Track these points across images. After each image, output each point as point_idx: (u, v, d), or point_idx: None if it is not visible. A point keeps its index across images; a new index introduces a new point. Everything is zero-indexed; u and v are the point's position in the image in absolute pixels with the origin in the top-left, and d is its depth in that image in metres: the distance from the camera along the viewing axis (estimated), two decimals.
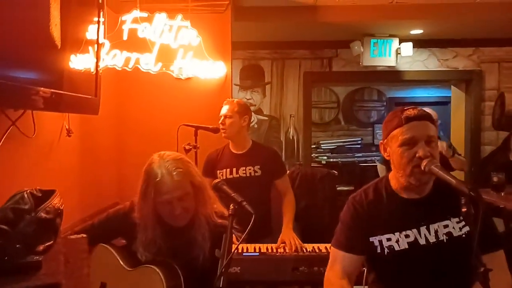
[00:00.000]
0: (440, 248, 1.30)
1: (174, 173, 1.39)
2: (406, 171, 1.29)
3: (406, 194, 1.36)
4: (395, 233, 1.33)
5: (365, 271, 1.51)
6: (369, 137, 6.89)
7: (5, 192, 1.00)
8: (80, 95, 1.86)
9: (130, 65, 2.43)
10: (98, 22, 2.06)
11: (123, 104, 2.76)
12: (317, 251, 2.08)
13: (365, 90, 6.75)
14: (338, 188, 2.93)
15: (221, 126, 2.38)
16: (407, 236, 1.33)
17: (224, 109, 2.40)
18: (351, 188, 5.06)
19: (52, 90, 1.57)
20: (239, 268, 1.98)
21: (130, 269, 1.43)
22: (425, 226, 1.32)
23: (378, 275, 1.42)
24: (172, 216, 1.43)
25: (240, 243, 1.24)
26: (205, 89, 2.80)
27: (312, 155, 5.13)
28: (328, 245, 2.12)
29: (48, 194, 0.99)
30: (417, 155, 1.26)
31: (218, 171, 2.37)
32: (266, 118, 4.20)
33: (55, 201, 0.97)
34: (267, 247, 2.12)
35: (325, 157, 6.11)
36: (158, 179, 1.38)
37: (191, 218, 1.46)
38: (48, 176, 1.89)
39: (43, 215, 0.88)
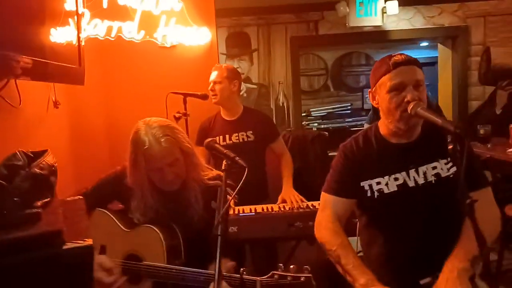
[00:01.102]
0: (428, 189, 1.35)
1: (162, 139, 1.38)
2: (395, 116, 1.32)
3: (395, 139, 1.40)
4: (384, 177, 1.38)
5: (357, 221, 1.57)
6: (359, 102, 6.92)
7: None
8: (64, 64, 1.83)
9: (113, 34, 2.39)
10: None
11: (109, 75, 2.72)
12: (311, 207, 2.13)
13: (353, 55, 6.72)
14: (329, 154, 2.97)
15: (211, 93, 2.37)
16: (396, 179, 1.37)
17: (213, 75, 2.39)
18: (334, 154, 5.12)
19: (35, 59, 1.54)
20: (236, 227, 2.04)
21: (129, 230, 1.46)
22: (414, 169, 1.37)
23: (369, 219, 1.47)
24: (164, 182, 1.44)
25: (235, 194, 1.26)
26: (191, 57, 2.76)
27: (303, 123, 5.15)
28: (318, 202, 2.17)
29: (40, 153, 0.99)
30: (405, 99, 1.28)
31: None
32: (255, 86, 4.18)
33: (48, 159, 0.97)
34: (262, 207, 2.17)
35: (316, 124, 6.14)
36: (146, 147, 1.38)
37: (183, 182, 1.48)
38: (39, 148, 1.88)
39: (37, 170, 0.89)
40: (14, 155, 0.90)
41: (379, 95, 1.37)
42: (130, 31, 2.39)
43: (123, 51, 2.61)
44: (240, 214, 2.10)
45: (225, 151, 1.40)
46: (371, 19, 3.80)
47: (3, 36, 1.47)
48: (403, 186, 1.37)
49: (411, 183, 1.36)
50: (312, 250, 2.36)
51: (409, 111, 1.26)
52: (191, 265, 1.36)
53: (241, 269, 1.26)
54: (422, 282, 1.32)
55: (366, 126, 3.90)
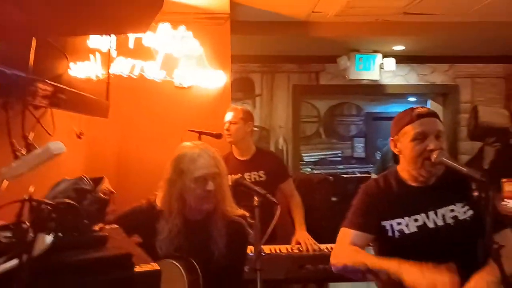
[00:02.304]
0: (447, 231, 1.40)
1: (210, 152, 1.47)
2: (417, 164, 1.40)
3: (415, 182, 1.47)
4: (405, 218, 1.43)
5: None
6: (349, 150, 7.12)
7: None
8: (93, 96, 1.90)
9: (136, 73, 2.49)
10: None
11: (126, 110, 2.78)
12: (325, 250, 2.16)
13: (345, 105, 7.01)
14: (332, 199, 3.04)
15: (226, 132, 2.45)
16: (416, 220, 1.43)
17: (229, 116, 2.48)
18: (335, 199, 5.19)
19: (70, 89, 1.61)
20: (247, 267, 2.04)
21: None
22: (433, 211, 1.43)
23: (388, 257, 1.51)
24: (200, 196, 1.45)
25: (269, 233, 1.30)
26: (206, 98, 2.87)
27: None
28: (330, 245, 2.21)
29: (98, 179, 1.03)
30: (427, 148, 1.37)
31: None
32: (256, 129, 4.30)
33: (107, 185, 1.01)
34: (270, 248, 2.18)
35: (309, 169, 6.25)
36: (195, 157, 1.45)
37: (210, 212, 1.51)
38: (58, 176, 1.88)
39: (101, 195, 0.93)
40: (81, 179, 0.94)
41: (402, 143, 1.46)
42: (152, 70, 2.50)
43: (142, 89, 2.70)
44: (250, 254, 2.11)
45: (255, 187, 1.45)
46: (369, 73, 4.05)
47: (40, 68, 1.54)
48: (423, 227, 1.42)
49: (430, 225, 1.42)
50: None
51: (432, 159, 1.35)
52: None
53: None
54: None
55: (373, 175, 4.02)
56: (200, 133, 2.54)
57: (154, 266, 0.83)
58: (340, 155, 7.10)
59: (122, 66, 2.44)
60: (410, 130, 1.42)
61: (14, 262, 0.69)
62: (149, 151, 2.67)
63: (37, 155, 0.80)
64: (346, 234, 1.48)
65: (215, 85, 2.86)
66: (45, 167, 1.70)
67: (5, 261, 0.69)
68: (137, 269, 0.82)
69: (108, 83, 2.08)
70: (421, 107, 1.47)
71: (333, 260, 1.47)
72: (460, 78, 4.43)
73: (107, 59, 2.24)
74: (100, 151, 2.48)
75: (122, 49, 2.45)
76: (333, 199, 3.02)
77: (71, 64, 2.05)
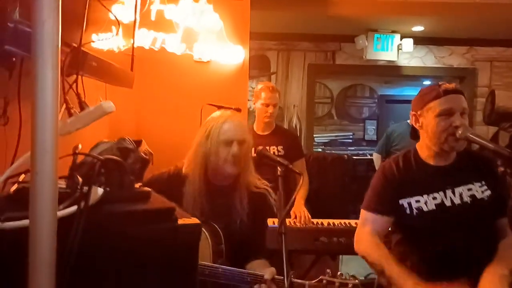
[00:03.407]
0: (464, 209, 1.44)
1: (238, 120, 1.55)
2: (440, 139, 1.43)
3: (434, 161, 1.51)
4: (423, 196, 1.47)
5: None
6: (360, 132, 7.12)
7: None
8: (121, 67, 1.94)
9: (157, 45, 2.52)
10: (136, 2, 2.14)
11: (145, 82, 2.82)
12: (332, 225, 2.23)
13: (358, 87, 6.97)
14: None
15: (266, 112, 2.53)
16: (434, 198, 1.46)
17: (272, 98, 2.57)
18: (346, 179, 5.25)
19: (101, 58, 1.65)
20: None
21: None
22: (451, 190, 1.47)
23: (404, 235, 1.56)
24: (225, 160, 1.50)
25: (292, 201, 1.35)
26: (224, 73, 2.89)
27: None
28: (341, 221, 2.28)
29: (138, 142, 1.09)
30: (453, 124, 1.39)
31: None
32: None
33: (146, 147, 1.06)
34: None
35: (319, 150, 6.29)
36: (223, 121, 1.52)
37: (234, 180, 1.55)
38: (83, 142, 1.95)
39: (143, 155, 0.98)
40: (124, 140, 0.99)
41: (425, 118, 1.48)
42: (173, 43, 2.52)
43: (162, 61, 2.73)
44: (273, 225, 2.18)
45: (278, 158, 1.50)
46: (387, 54, 4.02)
47: (70, 36, 1.58)
48: (441, 205, 1.46)
49: (448, 203, 1.46)
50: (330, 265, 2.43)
51: (457, 135, 1.38)
52: (228, 265, 1.42)
53: (291, 271, 1.33)
54: None
55: (375, 155, 4.05)
56: (219, 107, 2.57)
57: (195, 220, 0.89)
58: (351, 137, 7.11)
59: (144, 38, 2.47)
60: (436, 106, 1.44)
61: (73, 208, 0.75)
62: (168, 123, 2.72)
63: (91, 112, 0.85)
64: (367, 218, 1.52)
65: (233, 61, 2.87)
66: (71, 134, 1.76)
67: (64, 208, 0.75)
68: (181, 221, 0.87)
69: (133, 55, 2.12)
70: (448, 83, 1.49)
71: (356, 246, 1.53)
72: (479, 61, 4.37)
73: (129, 31, 2.27)
74: (122, 121, 2.54)
75: (144, 21, 2.47)
76: (345, 179, 3.07)
77: (94, 36, 2.09)
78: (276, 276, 1.33)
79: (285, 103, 4.33)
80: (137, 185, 0.99)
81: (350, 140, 7.04)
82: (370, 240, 1.48)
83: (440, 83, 1.49)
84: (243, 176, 1.56)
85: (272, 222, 2.23)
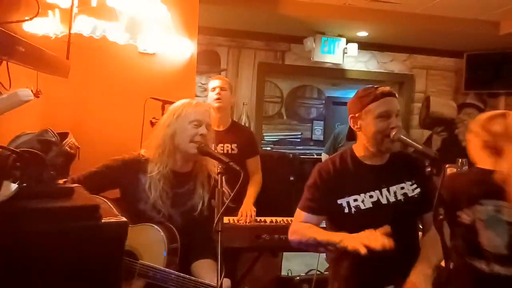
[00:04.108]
0: (398, 206, 1.53)
1: (206, 106, 1.62)
2: (377, 140, 1.50)
3: (370, 161, 1.58)
4: (361, 194, 1.53)
5: None
6: (308, 132, 7.31)
7: None
8: (53, 53, 1.81)
9: (98, 33, 2.38)
10: None
11: (84, 73, 2.67)
12: (274, 222, 2.26)
13: (307, 88, 7.14)
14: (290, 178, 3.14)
15: (215, 97, 2.47)
16: (371, 196, 1.53)
17: (218, 82, 2.51)
18: (292, 178, 5.36)
19: (30, 42, 1.53)
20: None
21: (131, 225, 1.45)
22: (386, 188, 1.54)
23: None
24: (192, 138, 1.52)
25: (231, 198, 1.35)
26: (170, 66, 2.81)
27: None
28: (284, 218, 2.31)
29: (64, 134, 1.02)
30: (391, 125, 1.47)
31: None
32: None
33: (73, 140, 1.00)
34: (228, 218, 2.24)
35: (269, 148, 6.36)
36: (193, 103, 1.56)
37: (194, 167, 1.57)
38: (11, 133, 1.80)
39: (68, 149, 0.92)
40: (46, 131, 0.92)
41: (364, 120, 1.53)
42: (115, 32, 2.41)
43: (104, 51, 2.59)
44: None
45: (219, 155, 1.49)
46: (333, 57, 4.15)
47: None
48: (377, 203, 1.53)
49: (383, 201, 1.54)
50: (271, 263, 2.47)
51: (391, 136, 1.46)
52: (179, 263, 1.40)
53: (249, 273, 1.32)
54: None
55: (323, 155, 4.17)
56: (164, 102, 2.50)
57: (121, 218, 0.85)
58: (299, 136, 7.27)
59: (83, 25, 2.32)
60: (375, 108, 1.49)
61: None
62: (109, 115, 2.60)
63: (3, 99, 0.78)
64: (301, 217, 1.58)
65: (180, 54, 2.80)
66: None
67: None
68: (106, 220, 0.83)
69: (69, 42, 1.98)
70: (382, 86, 1.55)
71: (290, 236, 1.57)
72: (416, 68, 4.67)
73: (67, 17, 2.13)
74: (58, 112, 2.38)
75: (84, 8, 2.33)
76: (291, 178, 3.12)
77: (27, 20, 1.92)
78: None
79: (235, 100, 4.31)
80: (61, 181, 0.93)
81: (299, 140, 7.20)
82: (301, 225, 1.55)
83: (375, 86, 1.56)
84: (205, 163, 1.59)
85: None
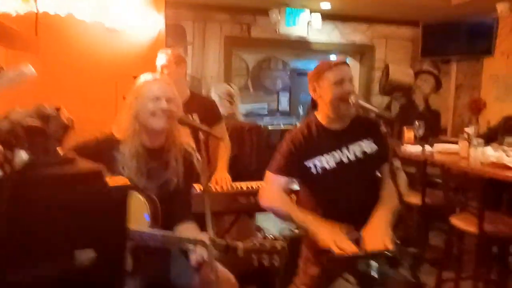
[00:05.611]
0: (359, 163, 1.72)
1: (167, 81, 1.60)
2: (334, 105, 1.66)
3: (331, 126, 1.75)
4: (324, 155, 1.70)
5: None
6: (274, 103, 7.47)
7: None
8: (17, 29, 1.79)
9: (64, 11, 2.35)
10: None
11: (53, 51, 2.62)
12: (250, 188, 2.41)
13: (272, 60, 7.23)
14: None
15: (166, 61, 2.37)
16: (333, 156, 1.71)
17: (162, 59, 2.46)
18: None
19: None
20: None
21: None
22: (345, 147, 1.72)
23: (310, 191, 1.78)
24: (153, 113, 1.53)
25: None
26: (139, 42, 2.82)
27: None
28: (258, 183, 2.46)
29: (57, 108, 1.08)
30: (345, 90, 1.63)
31: None
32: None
33: (66, 114, 1.07)
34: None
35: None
36: (151, 81, 1.56)
37: (165, 142, 1.59)
38: None
39: (65, 121, 0.99)
40: (42, 106, 0.98)
41: (321, 88, 1.69)
42: (82, 10, 2.38)
43: (71, 28, 2.55)
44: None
45: (199, 125, 1.58)
46: (298, 29, 4.25)
47: None
48: (340, 162, 1.71)
49: (345, 160, 1.72)
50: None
51: (350, 102, 1.62)
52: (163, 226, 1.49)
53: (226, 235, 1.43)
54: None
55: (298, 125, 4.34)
56: (136, 78, 2.52)
57: (124, 180, 0.94)
58: (266, 108, 7.40)
59: (49, 4, 2.28)
60: (330, 75, 1.66)
61: None
62: (81, 93, 2.59)
63: (11, 76, 0.84)
64: (273, 180, 1.72)
65: (148, 29, 2.80)
66: None
67: None
68: (110, 184, 0.92)
69: (37, 18, 1.96)
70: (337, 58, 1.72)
71: (261, 199, 1.73)
72: (376, 38, 4.87)
73: None
74: (26, 90, 2.35)
75: None
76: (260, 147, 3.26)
77: None
78: (212, 237, 1.42)
79: (202, 74, 4.35)
80: (60, 151, 1.00)
81: (265, 111, 7.34)
82: (277, 194, 1.70)
83: (329, 60, 1.71)
84: (176, 136, 1.61)
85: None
